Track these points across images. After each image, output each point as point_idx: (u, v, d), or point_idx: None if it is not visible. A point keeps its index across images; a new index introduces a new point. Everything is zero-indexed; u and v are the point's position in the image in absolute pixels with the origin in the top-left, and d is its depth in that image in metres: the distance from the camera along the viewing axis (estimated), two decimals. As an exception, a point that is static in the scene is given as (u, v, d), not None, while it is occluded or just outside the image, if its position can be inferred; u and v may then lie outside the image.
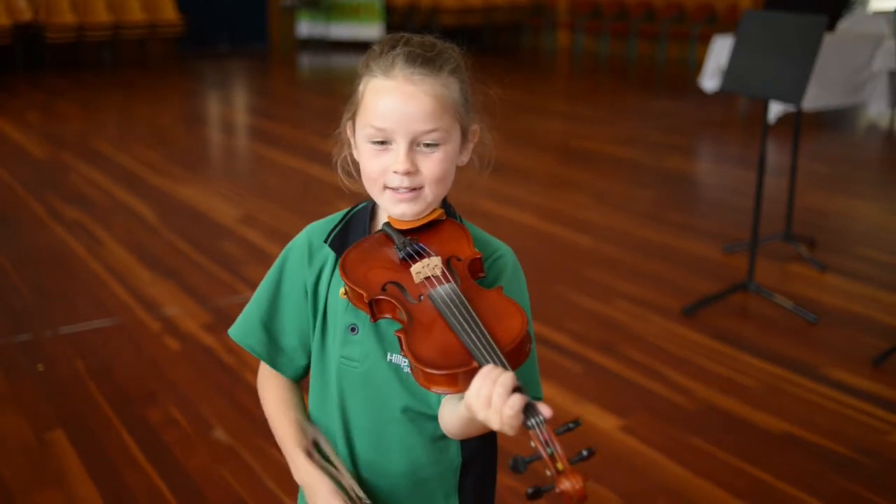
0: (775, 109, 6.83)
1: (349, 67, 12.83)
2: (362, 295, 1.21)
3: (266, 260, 4.59)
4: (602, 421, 3.07)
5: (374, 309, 1.21)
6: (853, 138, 8.60)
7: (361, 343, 1.30)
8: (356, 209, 1.41)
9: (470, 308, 1.13)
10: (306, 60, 13.54)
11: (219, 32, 13.52)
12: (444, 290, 1.17)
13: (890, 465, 2.85)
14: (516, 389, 1.02)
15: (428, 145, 1.26)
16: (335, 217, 1.41)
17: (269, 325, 1.40)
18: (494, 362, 1.05)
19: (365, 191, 1.38)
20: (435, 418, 1.30)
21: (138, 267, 4.50)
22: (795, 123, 4.83)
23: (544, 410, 1.01)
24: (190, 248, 4.78)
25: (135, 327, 3.81)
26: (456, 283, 1.19)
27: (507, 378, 1.02)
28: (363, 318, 1.29)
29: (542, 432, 1.00)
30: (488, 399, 1.02)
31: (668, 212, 5.60)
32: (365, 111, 1.27)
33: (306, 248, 1.38)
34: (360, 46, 13.77)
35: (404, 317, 1.17)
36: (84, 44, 11.64)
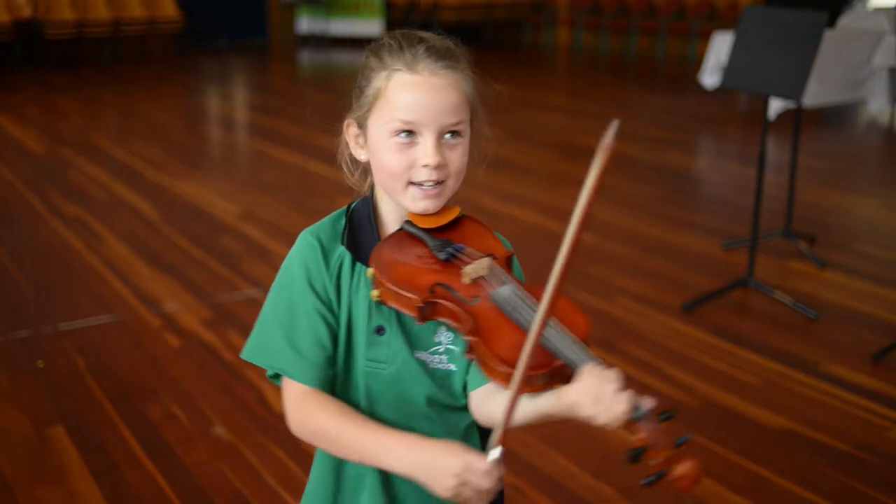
0: (775, 106, 6.82)
1: (349, 64, 12.81)
2: (410, 298, 1.19)
3: (266, 256, 4.59)
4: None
5: (427, 312, 1.19)
6: (853, 135, 8.60)
7: (389, 343, 1.28)
8: (353, 207, 1.38)
9: (537, 308, 1.14)
10: (306, 57, 13.52)
11: (218, 29, 13.51)
12: (506, 291, 1.19)
13: (890, 460, 2.85)
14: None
15: (453, 137, 1.27)
16: (334, 218, 1.37)
17: (298, 343, 1.28)
18: (585, 359, 1.09)
19: (360, 188, 1.38)
20: (458, 409, 1.31)
21: (138, 263, 4.50)
22: (796, 120, 4.83)
23: (647, 402, 1.06)
24: (189, 245, 4.78)
25: (134, 323, 3.81)
26: (510, 282, 1.20)
27: (614, 374, 1.07)
28: (388, 317, 1.27)
29: (648, 423, 1.05)
30: (599, 396, 1.06)
31: (669, 208, 5.60)
32: (388, 106, 1.26)
33: (319, 250, 1.31)
34: (361, 43, 13.72)
35: (465, 320, 1.16)
36: (83, 40, 11.63)
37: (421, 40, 1.27)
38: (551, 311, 1.12)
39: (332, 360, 1.30)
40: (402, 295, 1.20)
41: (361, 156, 1.35)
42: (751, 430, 3.03)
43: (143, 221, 5.20)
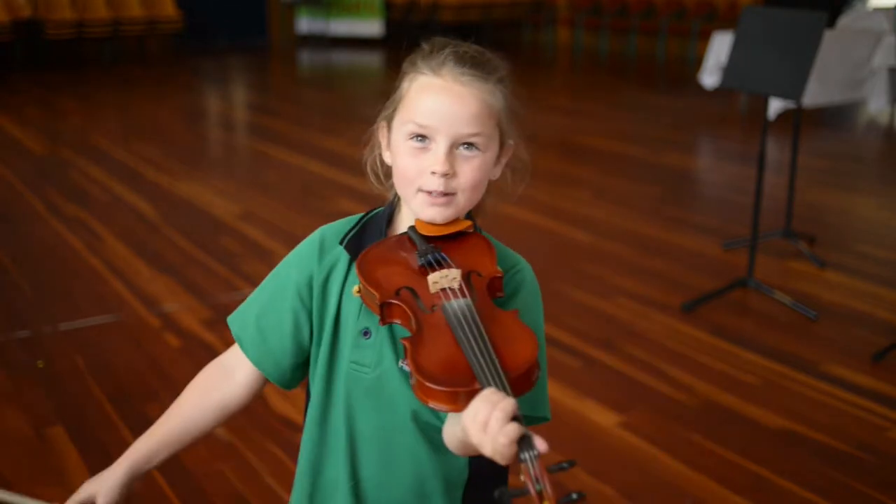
0: (775, 106, 6.82)
1: (349, 64, 12.81)
2: (375, 296, 1.18)
3: (265, 256, 4.59)
4: (601, 417, 3.07)
5: (385, 312, 1.18)
6: (853, 135, 8.60)
7: (374, 347, 1.27)
8: (373, 213, 1.37)
9: (482, 328, 1.09)
10: (306, 57, 13.52)
11: (218, 28, 13.51)
12: (458, 304, 1.13)
13: (889, 460, 2.85)
14: (515, 418, 0.97)
15: (468, 149, 1.24)
16: (351, 220, 1.37)
17: (262, 321, 1.35)
18: (496, 386, 1.01)
19: (387, 194, 1.36)
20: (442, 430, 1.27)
21: (138, 263, 4.50)
22: (795, 120, 4.83)
23: (539, 444, 0.96)
24: (189, 245, 4.78)
25: (134, 324, 3.81)
26: (472, 299, 1.15)
27: (507, 404, 0.98)
28: (376, 321, 1.26)
29: (534, 467, 0.95)
30: (485, 423, 0.97)
31: (668, 208, 5.60)
32: (408, 107, 1.25)
33: (317, 245, 1.34)
34: (360, 43, 13.76)
35: (414, 326, 1.14)
36: (83, 40, 11.63)
37: (456, 46, 1.25)
38: (490, 334, 1.08)
39: (293, 354, 1.34)
40: (369, 292, 1.19)
41: (388, 158, 1.33)
42: (751, 430, 3.03)
43: (143, 221, 5.20)
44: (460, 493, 1.32)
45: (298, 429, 1.41)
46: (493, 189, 1.33)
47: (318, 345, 1.33)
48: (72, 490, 1.33)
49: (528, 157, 1.35)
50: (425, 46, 1.28)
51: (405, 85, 1.27)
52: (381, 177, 1.36)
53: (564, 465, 0.98)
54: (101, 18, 11.57)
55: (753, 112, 8.48)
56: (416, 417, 1.26)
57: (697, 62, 9.61)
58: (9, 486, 2.65)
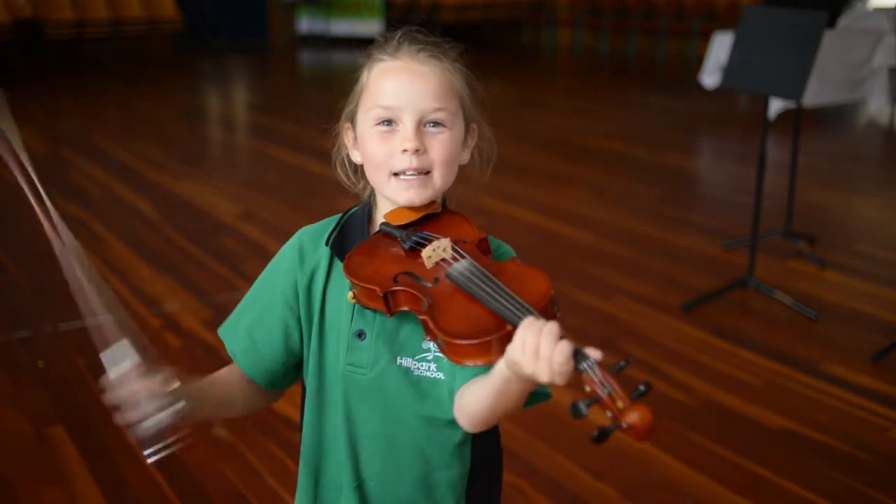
0: (775, 106, 6.81)
1: (349, 64, 12.78)
2: (374, 290, 1.17)
3: (265, 256, 4.57)
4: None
5: (391, 302, 1.17)
6: (853, 135, 8.60)
7: (369, 348, 1.27)
8: (351, 212, 1.38)
9: (492, 276, 1.11)
10: (306, 57, 13.53)
11: (218, 28, 13.51)
12: (461, 266, 1.15)
13: (889, 461, 2.85)
14: (562, 336, 1.00)
15: (435, 126, 1.26)
16: (330, 221, 1.37)
17: (254, 333, 1.34)
18: (529, 315, 1.03)
19: (363, 193, 1.37)
20: (448, 424, 1.27)
21: (138, 263, 4.50)
22: (796, 120, 4.83)
23: (593, 353, 0.99)
24: (189, 245, 4.78)
25: (135, 323, 3.80)
26: (471, 259, 1.17)
27: (552, 326, 1.00)
28: (370, 322, 1.26)
29: (595, 374, 0.98)
30: (536, 349, 1.00)
31: (669, 208, 5.60)
32: (371, 94, 1.27)
33: (297, 249, 1.34)
34: (361, 43, 13.74)
35: (424, 304, 1.14)
36: (83, 40, 11.63)
37: (404, 30, 1.29)
38: (502, 280, 1.09)
39: (284, 360, 1.34)
40: (368, 289, 1.18)
41: (357, 158, 1.33)
42: (751, 430, 3.03)
43: (142, 221, 5.20)
44: (464, 484, 1.33)
45: (298, 428, 1.42)
46: (462, 176, 1.34)
47: (309, 347, 1.33)
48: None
49: (493, 140, 1.37)
50: (379, 39, 1.31)
51: (364, 76, 1.30)
52: (352, 176, 1.38)
53: (622, 363, 1.01)
54: (101, 18, 11.57)
55: (753, 112, 8.48)
56: (418, 414, 1.27)
57: (697, 62, 9.60)
58: (9, 487, 2.66)
